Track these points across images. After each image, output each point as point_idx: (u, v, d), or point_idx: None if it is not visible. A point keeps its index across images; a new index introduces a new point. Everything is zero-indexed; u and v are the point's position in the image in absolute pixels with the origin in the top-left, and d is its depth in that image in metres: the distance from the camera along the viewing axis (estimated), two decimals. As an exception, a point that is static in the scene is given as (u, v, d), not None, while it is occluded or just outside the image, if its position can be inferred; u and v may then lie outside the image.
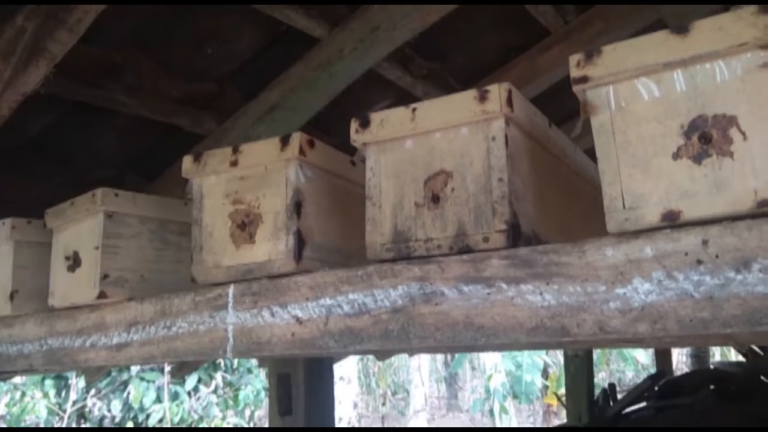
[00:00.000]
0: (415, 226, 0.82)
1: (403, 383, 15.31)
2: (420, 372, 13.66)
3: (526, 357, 11.43)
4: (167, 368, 6.81)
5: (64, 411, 6.88)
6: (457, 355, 12.42)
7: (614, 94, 0.71)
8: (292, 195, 0.94)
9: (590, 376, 6.30)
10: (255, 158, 0.98)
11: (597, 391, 5.15)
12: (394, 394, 14.95)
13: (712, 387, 4.34)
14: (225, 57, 1.78)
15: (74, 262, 1.16)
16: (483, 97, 0.78)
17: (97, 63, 1.61)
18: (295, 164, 0.95)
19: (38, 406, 6.86)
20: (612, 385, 6.30)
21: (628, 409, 5.46)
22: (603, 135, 0.71)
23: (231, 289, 0.98)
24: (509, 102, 0.77)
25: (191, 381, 7.09)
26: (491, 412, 12.03)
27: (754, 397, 4.57)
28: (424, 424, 13.45)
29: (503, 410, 11.58)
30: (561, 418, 11.95)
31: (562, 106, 2.08)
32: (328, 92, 1.79)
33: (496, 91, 0.77)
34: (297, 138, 0.95)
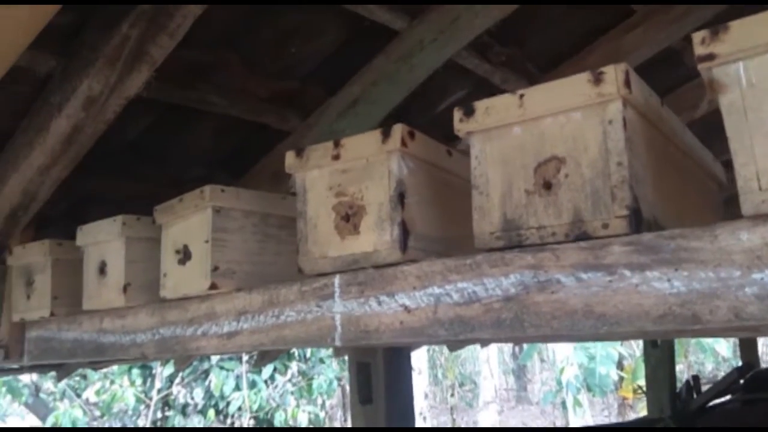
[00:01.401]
0: (527, 213, 0.82)
1: (470, 375, 15.25)
2: (489, 364, 13.55)
3: (599, 349, 11.15)
4: (245, 357, 7.08)
5: (150, 398, 7.27)
6: (526, 347, 12.24)
7: (744, 70, 0.68)
8: (395, 186, 0.96)
9: (672, 367, 6.05)
10: (357, 151, 1.00)
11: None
12: (461, 385, 14.92)
13: (806, 380, 4.08)
14: (309, 54, 1.82)
15: (184, 255, 1.22)
16: (598, 80, 0.76)
17: (189, 66, 1.68)
18: (397, 156, 0.96)
19: (126, 393, 7.28)
20: (696, 377, 6.05)
21: (712, 403, 5.24)
22: (734, 114, 0.67)
23: (337, 279, 1.01)
24: (627, 83, 0.75)
25: (267, 370, 7.34)
26: (563, 404, 11.81)
27: None
28: (494, 416, 13.35)
29: (577, 403, 11.35)
30: (636, 412, 11.59)
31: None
32: (409, 84, 1.79)
33: (612, 73, 0.76)
34: (398, 130, 0.96)
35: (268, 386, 7.50)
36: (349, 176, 1.01)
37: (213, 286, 1.15)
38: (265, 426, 7.42)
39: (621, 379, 11.92)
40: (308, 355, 7.84)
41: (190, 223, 1.22)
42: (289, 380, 7.42)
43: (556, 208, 0.79)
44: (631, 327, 0.72)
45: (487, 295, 0.83)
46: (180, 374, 6.91)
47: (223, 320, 1.17)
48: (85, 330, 1.47)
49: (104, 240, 1.40)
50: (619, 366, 11.75)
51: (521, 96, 0.83)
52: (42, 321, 1.62)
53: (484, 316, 0.83)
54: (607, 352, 11.01)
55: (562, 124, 0.80)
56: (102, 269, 1.40)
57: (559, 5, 1.98)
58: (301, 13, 1.70)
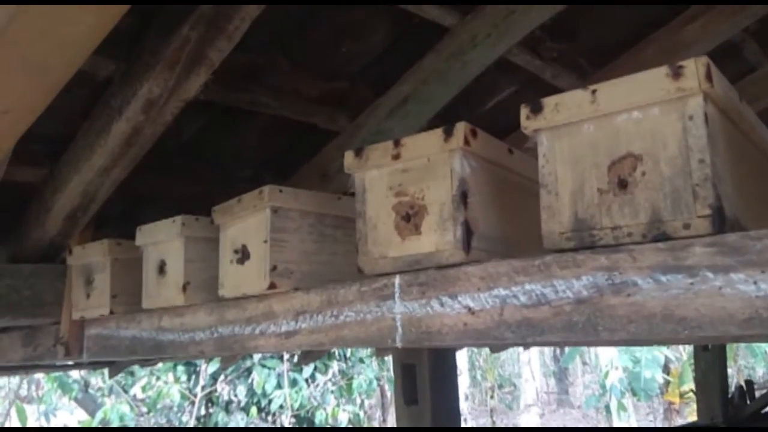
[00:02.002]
0: (600, 213, 0.79)
1: (509, 377, 15.08)
2: (530, 366, 13.37)
3: (645, 352, 10.89)
4: (286, 356, 7.16)
5: (195, 395, 7.42)
6: (567, 350, 12.03)
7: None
8: (457, 185, 0.94)
9: (723, 371, 5.85)
10: (417, 150, 0.99)
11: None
12: (500, 387, 14.77)
13: None
14: (358, 54, 1.82)
15: (243, 255, 1.23)
16: (677, 74, 0.73)
17: (242, 68, 1.70)
18: (460, 155, 0.95)
19: (172, 390, 7.44)
20: (749, 382, 5.85)
21: (767, 409, 5.05)
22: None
23: (397, 279, 1.00)
24: (708, 77, 0.72)
25: (308, 369, 7.40)
26: (607, 408, 11.58)
27: None
28: (536, 420, 13.17)
29: (621, 407, 11.11)
30: (684, 417, 11.27)
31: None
32: (460, 82, 1.77)
33: (693, 67, 0.73)
34: (461, 128, 0.94)
35: (308, 385, 7.56)
36: (410, 176, 1.00)
37: (272, 286, 1.16)
38: (305, 426, 7.50)
39: (667, 383, 11.61)
40: (348, 354, 7.88)
41: (249, 223, 1.23)
42: (330, 379, 7.46)
43: (633, 208, 0.76)
44: (714, 331, 0.69)
45: (557, 297, 0.81)
46: (223, 372, 7.03)
47: (282, 320, 1.18)
48: (144, 328, 1.51)
49: (164, 240, 1.43)
50: (665, 370, 11.46)
51: (593, 91, 0.80)
52: (101, 319, 1.66)
53: (553, 318, 0.81)
54: (653, 355, 10.75)
55: (638, 121, 0.77)
56: (161, 268, 1.43)
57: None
58: (350, 13, 1.70)
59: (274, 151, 2.14)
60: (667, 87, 0.74)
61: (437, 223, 0.96)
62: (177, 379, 7.55)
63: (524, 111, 0.87)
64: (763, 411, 4.95)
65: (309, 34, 1.74)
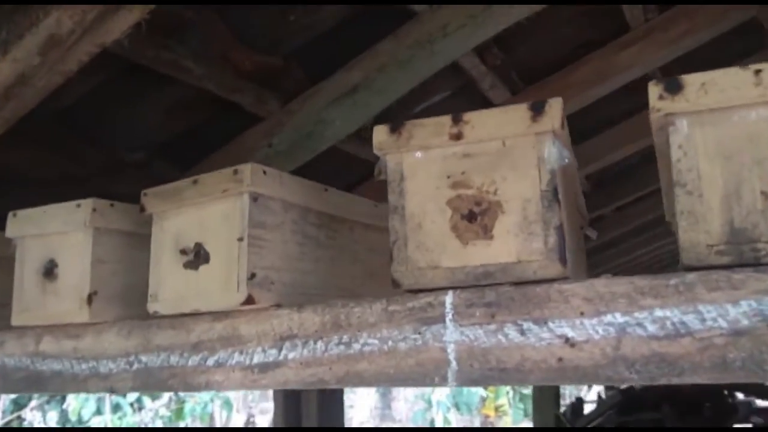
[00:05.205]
0: (765, 222, 0.63)
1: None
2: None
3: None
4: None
5: (-11, 424, 6.18)
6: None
7: None
8: (549, 179, 0.73)
9: (557, 389, 6.38)
10: (489, 130, 0.76)
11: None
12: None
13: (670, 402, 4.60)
14: (308, 25, 1.53)
15: (197, 257, 0.89)
16: None
17: (165, 19, 1.32)
18: (550, 139, 0.74)
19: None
20: (579, 399, 6.42)
21: (592, 424, 5.61)
22: None
23: (449, 297, 0.76)
24: None
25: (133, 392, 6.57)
26: (432, 423, 12.08)
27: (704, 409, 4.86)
28: (364, 435, 13.23)
29: (446, 422, 11.66)
30: (500, 430, 12.13)
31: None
32: (422, 73, 1.57)
33: None
34: (557, 105, 0.74)
35: (134, 411, 6.71)
36: (475, 162, 0.77)
37: (249, 300, 0.84)
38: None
39: (484, 398, 12.43)
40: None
41: (208, 213, 0.90)
42: (165, 404, 6.70)
43: (818, 217, 0.62)
44: None
45: (704, 328, 0.63)
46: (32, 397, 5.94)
47: (254, 347, 0.86)
48: (10, 353, 1.06)
49: (56, 231, 1.01)
50: (484, 385, 12.26)
51: (757, 72, 0.65)
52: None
53: (699, 354, 0.63)
54: (476, 371, 11.46)
55: (820, 111, 0.63)
56: (49, 271, 1.01)
57: (559, 13, 1.88)
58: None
59: (177, 132, 1.74)
60: None
61: (519, 225, 0.73)
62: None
63: (655, 89, 0.69)
64: (590, 425, 5.46)
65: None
